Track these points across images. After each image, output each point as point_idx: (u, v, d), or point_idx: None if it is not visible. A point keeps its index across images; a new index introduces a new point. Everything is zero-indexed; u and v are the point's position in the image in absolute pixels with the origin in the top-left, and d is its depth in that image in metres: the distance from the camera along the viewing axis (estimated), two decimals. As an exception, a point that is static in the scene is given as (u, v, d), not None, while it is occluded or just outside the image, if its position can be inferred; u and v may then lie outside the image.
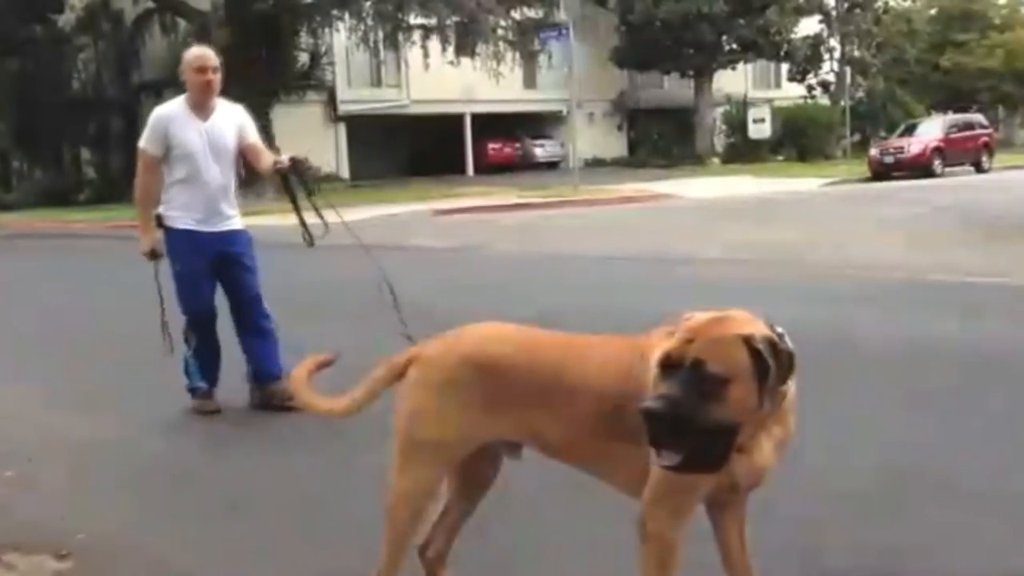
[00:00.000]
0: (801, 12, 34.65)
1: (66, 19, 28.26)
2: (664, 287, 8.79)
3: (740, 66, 36.18)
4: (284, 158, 4.96)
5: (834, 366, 5.17)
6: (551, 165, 34.91)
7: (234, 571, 3.20)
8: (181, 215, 4.89)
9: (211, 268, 4.95)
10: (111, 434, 4.89)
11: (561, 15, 25.58)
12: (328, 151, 30.28)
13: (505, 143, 35.79)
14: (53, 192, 27.17)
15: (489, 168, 33.43)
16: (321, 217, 5.03)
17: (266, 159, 4.99)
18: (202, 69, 4.88)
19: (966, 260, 9.36)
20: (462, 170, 33.66)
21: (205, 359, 5.02)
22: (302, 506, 3.71)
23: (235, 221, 5.03)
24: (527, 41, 26.29)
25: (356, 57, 29.56)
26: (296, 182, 5.07)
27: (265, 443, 4.61)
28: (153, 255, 4.97)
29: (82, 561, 3.22)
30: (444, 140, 33.91)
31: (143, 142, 4.99)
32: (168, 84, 26.26)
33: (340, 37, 27.25)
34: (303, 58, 26.05)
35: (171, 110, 4.95)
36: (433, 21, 24.49)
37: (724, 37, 33.58)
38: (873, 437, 4.20)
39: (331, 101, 30.43)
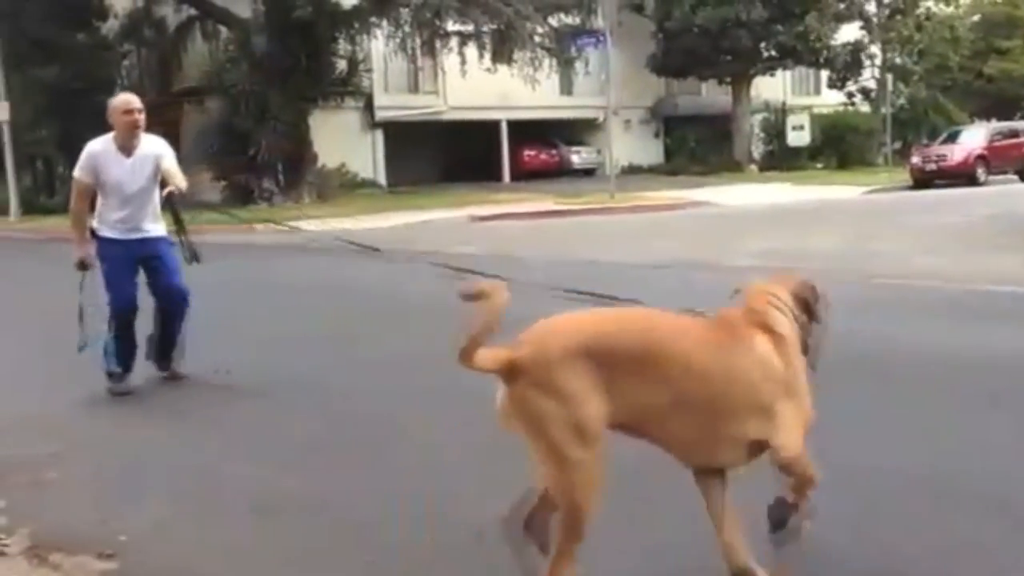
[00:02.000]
0: (841, 18, 34.27)
1: (110, 26, 28.69)
2: (699, 293, 8.69)
3: (779, 73, 35.86)
4: (170, 187, 5.73)
5: (882, 375, 5.08)
6: (587, 172, 34.84)
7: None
8: (109, 228, 5.84)
9: (134, 268, 5.89)
10: (138, 434, 4.92)
11: (598, 22, 25.48)
12: (365, 157, 30.45)
13: (541, 150, 35.77)
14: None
15: (525, 175, 33.43)
16: (184, 245, 5.97)
17: (169, 184, 5.76)
18: (128, 111, 5.77)
19: (1016, 269, 9.17)
20: (498, 177, 33.68)
21: (122, 347, 5.85)
22: (327, 510, 3.70)
23: (154, 231, 5.95)
24: (564, 48, 26.25)
25: (393, 64, 29.69)
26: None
27: (289, 446, 4.62)
28: (83, 265, 5.87)
29: (125, 562, 3.24)
30: (480, 146, 33.97)
31: (77, 172, 5.92)
32: (209, 90, 26.66)
33: (378, 44, 27.39)
34: (341, 65, 26.18)
35: (100, 148, 5.83)
36: (470, 28, 24.54)
37: (763, 44, 33.31)
38: (923, 445, 4.11)
39: (368, 107, 30.59)
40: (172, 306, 5.96)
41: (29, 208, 26.74)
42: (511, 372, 2.46)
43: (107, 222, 5.85)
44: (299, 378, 6.09)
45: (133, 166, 5.78)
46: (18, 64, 26.04)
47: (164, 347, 6.09)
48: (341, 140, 28.08)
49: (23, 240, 21.18)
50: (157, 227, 5.98)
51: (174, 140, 31.84)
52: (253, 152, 24.29)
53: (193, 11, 27.30)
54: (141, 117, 5.78)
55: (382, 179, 31.18)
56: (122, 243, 5.82)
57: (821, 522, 2.93)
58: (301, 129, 24.92)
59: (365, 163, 30.29)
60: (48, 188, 31.94)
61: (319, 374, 6.16)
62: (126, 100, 5.85)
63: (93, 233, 5.89)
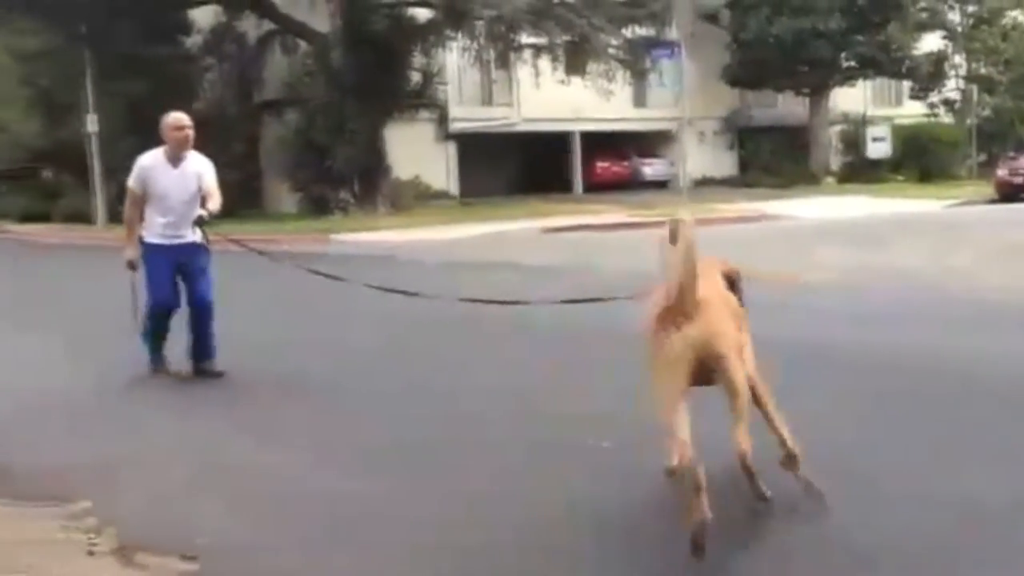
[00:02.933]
0: (923, 28, 33.48)
1: (193, 41, 29.47)
2: (772, 308, 8.58)
3: (858, 83, 35.16)
4: (201, 212, 6.39)
5: (969, 395, 4.94)
6: (660, 184, 34.59)
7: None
8: (155, 235, 6.45)
9: (173, 271, 6.46)
10: (217, 437, 5.03)
11: (672, 33, 25.37)
12: (439, 168, 30.70)
13: (614, 161, 35.62)
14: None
15: (597, 186, 33.32)
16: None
17: (208, 203, 6.41)
18: (179, 128, 6.48)
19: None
20: (570, 188, 33.64)
21: (153, 342, 6.54)
22: (400, 517, 3.73)
23: (191, 237, 6.50)
24: (638, 59, 26.15)
25: (467, 76, 29.91)
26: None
27: (360, 451, 4.67)
28: (131, 266, 6.49)
29: (207, 564, 3.31)
30: (553, 158, 33.98)
31: (130, 182, 6.57)
32: (287, 103, 27.19)
33: (452, 56, 27.65)
34: (416, 77, 26.47)
35: (151, 160, 6.51)
36: (544, 40, 24.61)
37: (842, 54, 32.71)
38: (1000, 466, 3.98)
39: (442, 119, 30.85)
40: (199, 311, 6.51)
41: (115, 217, 27.57)
42: None
43: (153, 228, 6.47)
44: (364, 384, 6.16)
45: (180, 177, 6.41)
46: (106, 78, 26.92)
47: (200, 348, 6.56)
48: (415, 152, 28.35)
49: (107, 248, 21.83)
50: (193, 236, 6.54)
51: (253, 152, 32.74)
52: (329, 164, 24.68)
53: (273, 26, 27.87)
54: (191, 133, 6.48)
55: (455, 190, 31.40)
56: (165, 248, 6.44)
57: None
58: (376, 141, 25.25)
59: (438, 174, 30.53)
60: (133, 198, 32.77)
61: (384, 380, 6.24)
62: (178, 118, 6.51)
63: (140, 239, 6.53)
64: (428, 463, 4.47)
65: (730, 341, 3.31)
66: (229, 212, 26.36)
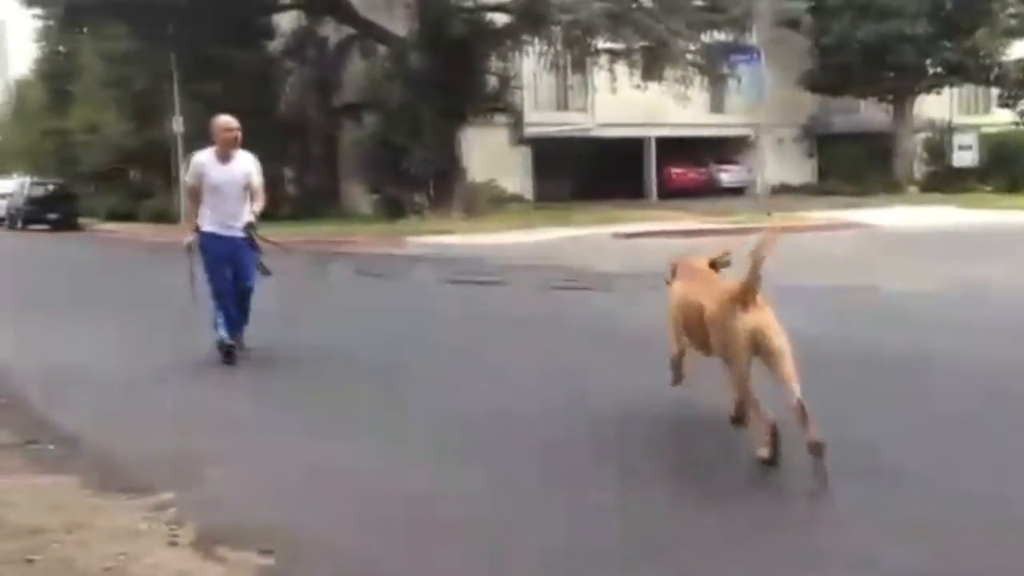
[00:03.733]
0: (1013, 34, 32.42)
1: (275, 45, 30.09)
2: (850, 315, 8.42)
3: (945, 90, 34.23)
4: (249, 219, 7.23)
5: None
6: (736, 191, 34.16)
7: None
8: (210, 224, 7.26)
9: (226, 258, 7.28)
10: (295, 432, 5.11)
11: (752, 39, 25.01)
12: (513, 172, 30.78)
13: (689, 167, 35.31)
14: (257, 207, 28.88)
15: (672, 193, 33.06)
16: (257, 264, 7.46)
17: (253, 204, 7.27)
18: (229, 130, 7.33)
19: None
20: (645, 194, 33.44)
21: (226, 319, 7.26)
22: (485, 518, 3.73)
23: (240, 232, 7.25)
24: (716, 65, 25.86)
25: (543, 81, 29.95)
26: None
27: (447, 454, 4.69)
28: (188, 248, 7.39)
29: (283, 558, 3.37)
30: (627, 164, 33.82)
31: (188, 177, 7.53)
32: (365, 106, 27.55)
33: (529, 61, 27.72)
34: (492, 82, 26.58)
35: (204, 157, 7.36)
36: (621, 45, 24.50)
37: (928, 60, 31.88)
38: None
39: (518, 124, 30.93)
40: (242, 293, 7.42)
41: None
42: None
43: (208, 218, 7.29)
44: (442, 377, 6.20)
45: (229, 173, 7.26)
46: (191, 81, 27.64)
47: (237, 322, 7.41)
48: (490, 155, 28.48)
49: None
50: (240, 228, 7.29)
51: (331, 154, 33.21)
52: (405, 166, 24.93)
53: (353, 30, 28.29)
54: (239, 135, 7.33)
55: (529, 194, 31.45)
56: (219, 237, 7.26)
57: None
58: (452, 144, 25.44)
59: (513, 178, 30.62)
60: (215, 198, 33.56)
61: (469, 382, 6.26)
62: (227, 120, 7.42)
63: (196, 229, 7.38)
64: (513, 464, 4.47)
65: (776, 327, 4.41)
66: (309, 212, 27.01)
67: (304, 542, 3.55)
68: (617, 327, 8.32)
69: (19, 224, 35.27)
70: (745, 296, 4.40)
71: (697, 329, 4.79)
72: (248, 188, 7.27)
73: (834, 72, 32.05)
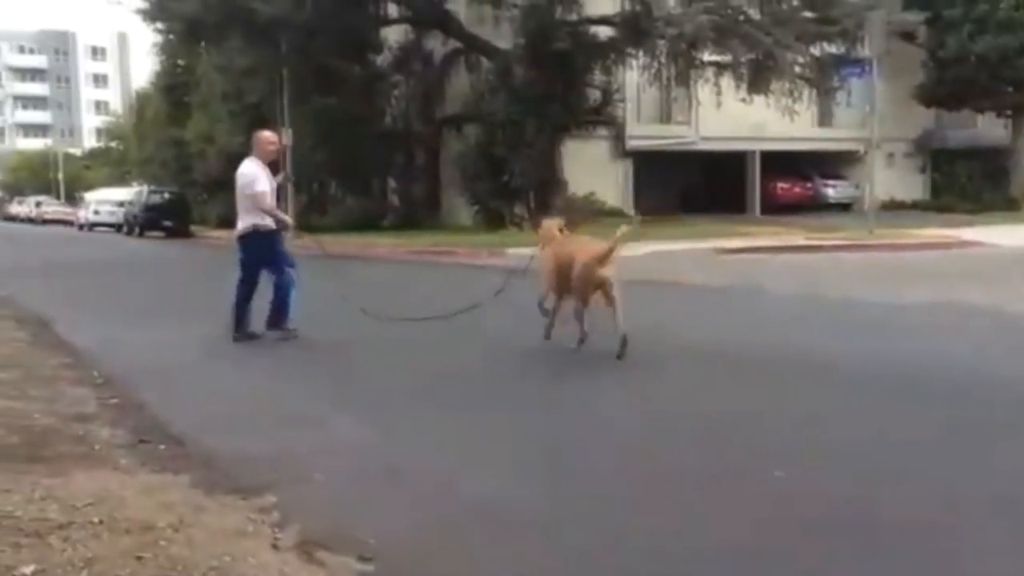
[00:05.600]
0: None
1: (383, 59, 30.73)
2: (974, 336, 8.10)
3: (1070, 104, 32.63)
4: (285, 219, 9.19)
5: None
6: (843, 206, 33.27)
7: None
8: (265, 224, 8.71)
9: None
10: (398, 437, 5.17)
11: (864, 51, 24.32)
12: (613, 185, 30.65)
13: (794, 182, 34.56)
14: (362, 217, 29.55)
15: (776, 208, 32.39)
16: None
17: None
18: (272, 143, 8.92)
19: None
20: (747, 209, 32.86)
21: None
22: (561, 524, 3.71)
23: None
24: (825, 77, 25.26)
25: (646, 94, 29.77)
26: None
27: (536, 467, 4.68)
28: (284, 226, 9.01)
29: (383, 566, 3.41)
30: (730, 178, 33.29)
31: (259, 185, 8.61)
32: (468, 118, 27.88)
33: (632, 74, 27.61)
34: (595, 95, 26.59)
35: (257, 167, 8.68)
36: (727, 58, 24.17)
37: (1052, 73, 30.48)
38: None
39: (619, 137, 30.82)
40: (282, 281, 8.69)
41: (303, 226, 29.09)
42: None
43: (260, 218, 8.68)
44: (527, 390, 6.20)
45: (272, 180, 8.74)
46: (302, 94, 28.43)
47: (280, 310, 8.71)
48: (590, 168, 28.44)
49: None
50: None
51: (434, 165, 33.69)
52: (506, 178, 25.12)
53: (458, 44, 28.69)
54: (279, 148, 9.03)
55: (629, 208, 31.27)
56: (276, 232, 8.76)
57: None
58: (553, 157, 25.51)
59: (613, 191, 30.48)
60: (320, 208, 34.58)
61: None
62: (271, 135, 9.03)
63: (256, 229, 8.64)
64: (598, 479, 4.44)
65: (617, 282, 7.17)
66: (411, 223, 27.41)
67: (404, 550, 3.58)
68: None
69: (136, 231, 36.81)
70: (604, 259, 7.16)
71: (567, 276, 7.36)
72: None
73: (950, 86, 30.95)
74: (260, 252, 8.69)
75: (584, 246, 7.55)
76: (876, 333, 8.60)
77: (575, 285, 7.22)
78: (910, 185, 34.71)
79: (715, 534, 3.70)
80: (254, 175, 8.56)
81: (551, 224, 8.01)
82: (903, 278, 13.74)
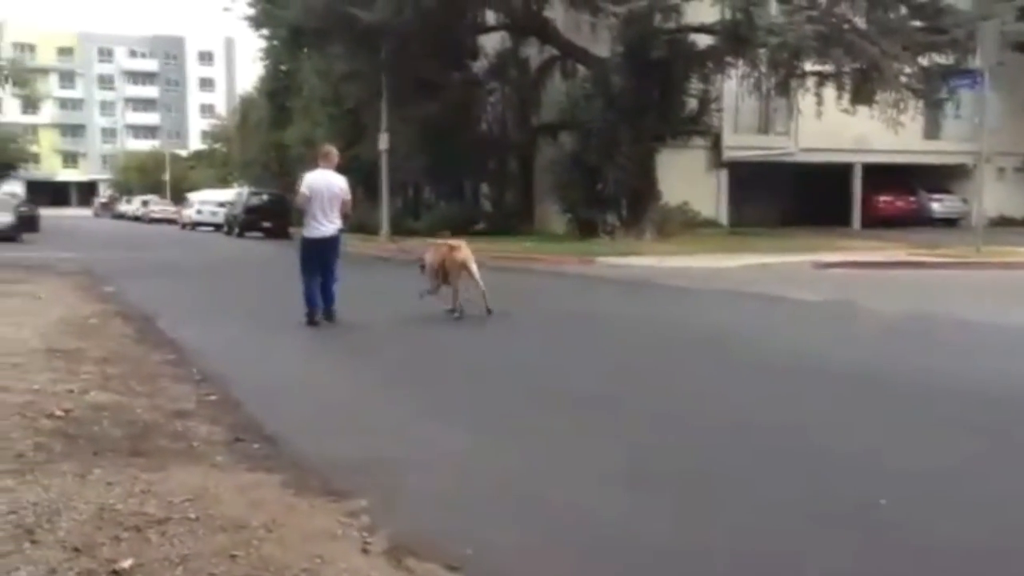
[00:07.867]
0: None
1: (480, 65, 30.95)
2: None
3: None
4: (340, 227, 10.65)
5: None
6: (949, 222, 32.16)
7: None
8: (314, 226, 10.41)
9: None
10: (497, 449, 5.15)
11: (975, 62, 23.43)
12: (708, 196, 30.25)
13: (898, 196, 33.55)
14: (454, 222, 29.80)
15: (878, 222, 31.49)
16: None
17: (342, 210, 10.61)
18: (329, 155, 10.53)
19: None
20: (847, 222, 32.03)
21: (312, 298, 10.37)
22: (649, 543, 3.63)
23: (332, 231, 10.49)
24: (933, 89, 24.42)
25: (745, 104, 29.30)
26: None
27: (633, 478, 4.60)
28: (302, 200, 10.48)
29: (469, 575, 3.40)
30: (829, 190, 32.50)
31: (303, 188, 10.33)
32: (562, 126, 27.85)
33: (731, 83, 27.20)
34: (692, 104, 26.23)
35: (314, 175, 10.33)
36: (830, 68, 23.58)
37: None
38: None
39: (716, 147, 30.40)
40: (329, 277, 10.36)
41: (397, 229, 29.56)
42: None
43: (317, 222, 10.31)
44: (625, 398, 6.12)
45: (328, 187, 10.26)
46: (400, 100, 28.84)
47: (328, 297, 10.31)
48: (685, 178, 28.10)
49: (376, 257, 23.45)
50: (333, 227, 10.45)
51: (527, 172, 33.62)
52: (600, 187, 24.99)
53: (555, 51, 28.69)
54: (336, 159, 10.55)
55: (724, 219, 30.81)
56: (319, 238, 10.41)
57: None
58: (647, 166, 25.26)
59: (708, 202, 30.09)
60: (414, 212, 35.02)
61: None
62: (329, 147, 10.77)
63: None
64: (693, 488, 4.35)
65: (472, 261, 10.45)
66: (503, 229, 27.49)
67: (493, 560, 3.56)
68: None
69: (236, 231, 37.82)
70: (453, 249, 10.49)
71: (442, 267, 10.48)
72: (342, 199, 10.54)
73: (1066, 98, 29.64)
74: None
75: (442, 245, 10.86)
76: (971, 353, 8.26)
77: (447, 270, 10.45)
78: (1022, 201, 33.35)
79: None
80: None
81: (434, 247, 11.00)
82: (1010, 298, 13.17)
